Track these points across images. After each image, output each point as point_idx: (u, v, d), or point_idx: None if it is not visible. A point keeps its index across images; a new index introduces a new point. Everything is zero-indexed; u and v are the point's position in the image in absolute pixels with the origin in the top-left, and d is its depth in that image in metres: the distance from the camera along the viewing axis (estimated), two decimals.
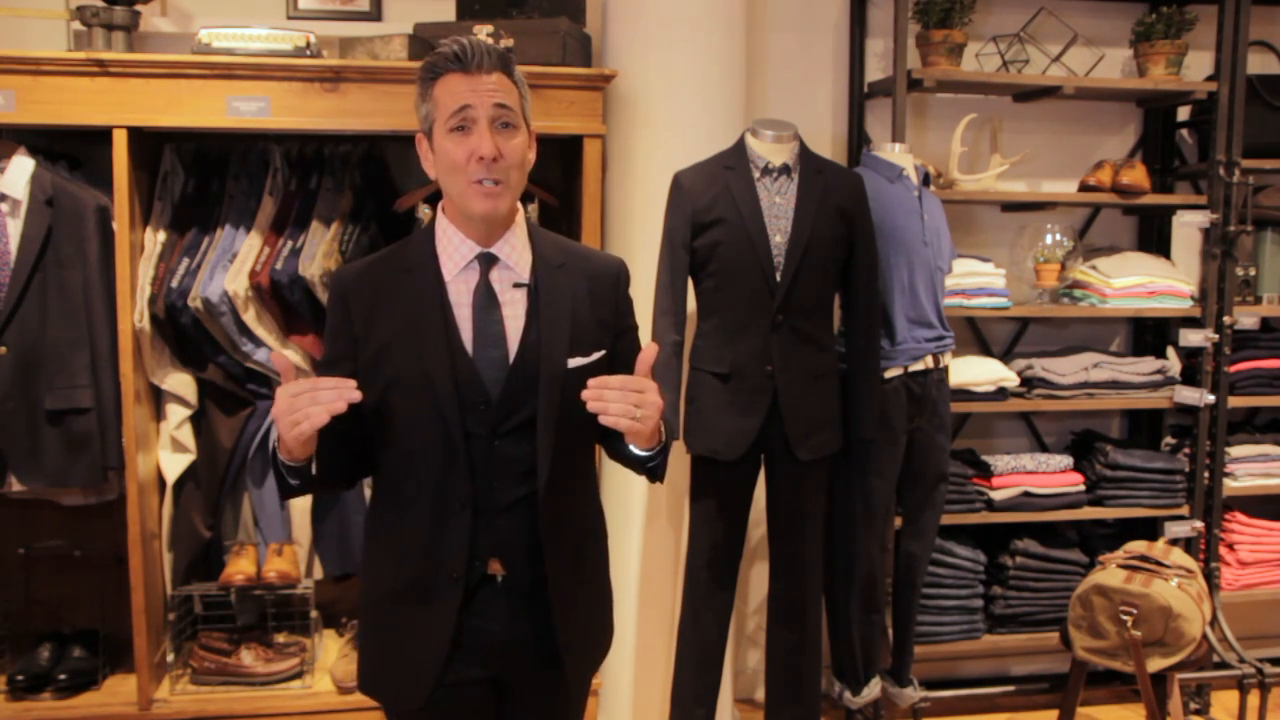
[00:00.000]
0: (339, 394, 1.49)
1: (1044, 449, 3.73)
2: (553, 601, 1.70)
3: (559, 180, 3.13)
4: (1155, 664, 2.83)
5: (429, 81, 1.64)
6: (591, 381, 1.55)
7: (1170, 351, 3.65)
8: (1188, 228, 3.49)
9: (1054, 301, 3.52)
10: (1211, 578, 3.51)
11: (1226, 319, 3.44)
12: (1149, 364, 3.52)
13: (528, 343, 1.67)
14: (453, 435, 1.63)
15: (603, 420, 1.55)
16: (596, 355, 1.71)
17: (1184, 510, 3.50)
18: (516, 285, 1.69)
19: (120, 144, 2.67)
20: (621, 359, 1.77)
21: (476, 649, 1.70)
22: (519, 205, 1.72)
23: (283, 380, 1.54)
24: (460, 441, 1.64)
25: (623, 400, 1.54)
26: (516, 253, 1.70)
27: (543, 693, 1.78)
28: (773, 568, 2.94)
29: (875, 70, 3.50)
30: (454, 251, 1.68)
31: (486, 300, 1.67)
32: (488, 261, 1.68)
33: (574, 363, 1.68)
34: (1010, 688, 3.54)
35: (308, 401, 1.49)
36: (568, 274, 1.72)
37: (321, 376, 1.55)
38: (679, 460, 2.92)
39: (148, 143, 2.86)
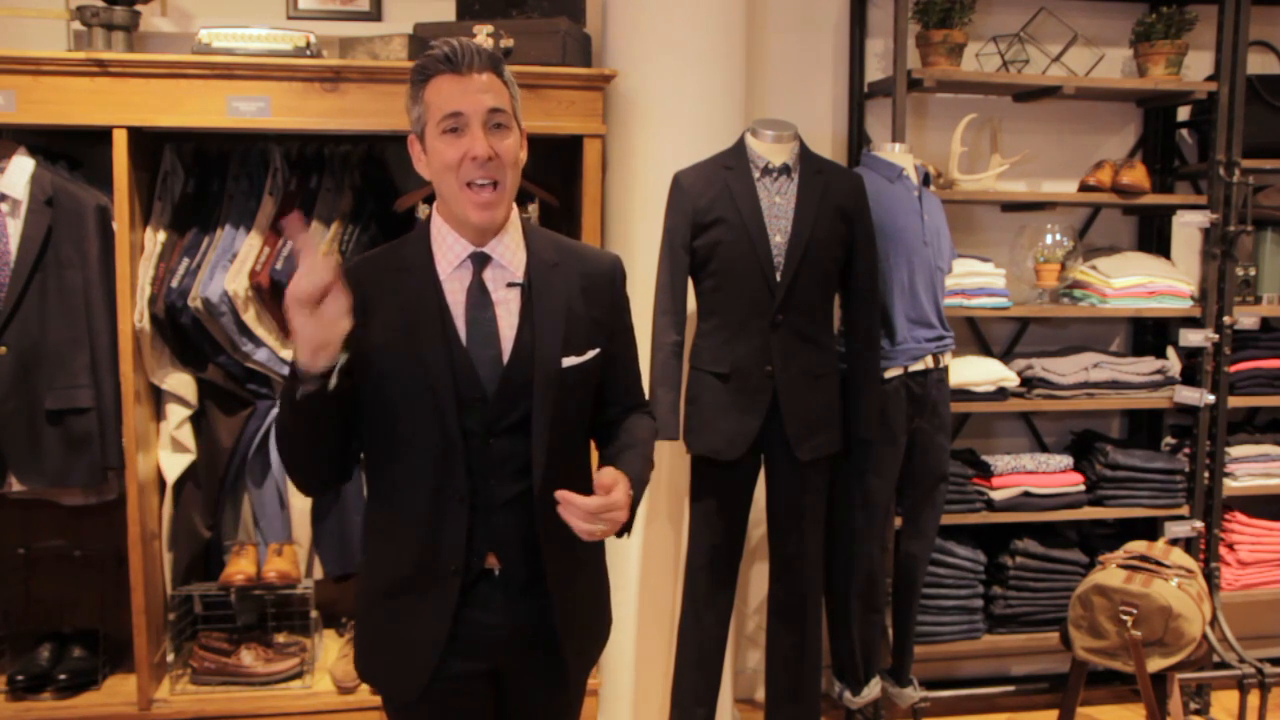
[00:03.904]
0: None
1: (1044, 449, 3.73)
2: (551, 595, 1.71)
3: (559, 180, 3.13)
4: (1155, 664, 2.83)
5: (420, 84, 1.63)
6: (564, 500, 1.55)
7: (1170, 351, 3.65)
8: (1188, 228, 3.49)
9: (1054, 301, 3.52)
10: (1211, 578, 3.51)
11: (1226, 319, 3.44)
12: (1149, 364, 3.52)
13: (522, 342, 1.67)
14: (450, 432, 1.64)
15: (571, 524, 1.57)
16: (591, 354, 1.72)
17: (1184, 510, 3.50)
18: (510, 285, 1.69)
19: (120, 144, 2.68)
20: (615, 360, 1.80)
21: (474, 641, 1.71)
22: (513, 205, 1.72)
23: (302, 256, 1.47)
24: (457, 438, 1.64)
25: (589, 523, 1.56)
26: (510, 252, 1.69)
27: (541, 685, 1.79)
28: (773, 568, 2.94)
29: (875, 70, 3.50)
30: (448, 250, 1.68)
31: (479, 299, 1.67)
32: (481, 261, 1.68)
33: (568, 362, 1.69)
34: (1010, 688, 3.54)
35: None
36: (562, 273, 1.73)
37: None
38: (679, 460, 2.92)
39: (148, 143, 2.86)
